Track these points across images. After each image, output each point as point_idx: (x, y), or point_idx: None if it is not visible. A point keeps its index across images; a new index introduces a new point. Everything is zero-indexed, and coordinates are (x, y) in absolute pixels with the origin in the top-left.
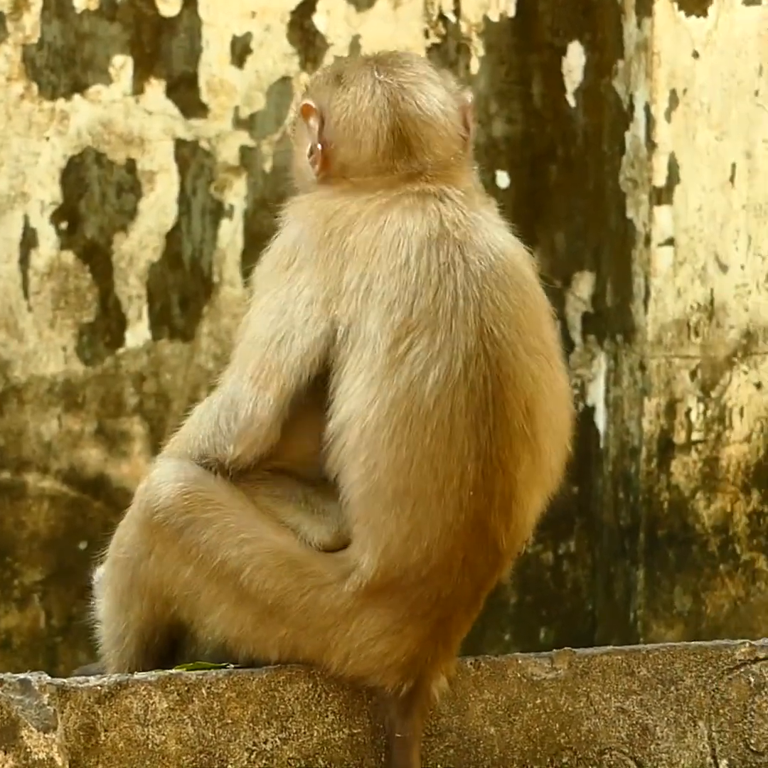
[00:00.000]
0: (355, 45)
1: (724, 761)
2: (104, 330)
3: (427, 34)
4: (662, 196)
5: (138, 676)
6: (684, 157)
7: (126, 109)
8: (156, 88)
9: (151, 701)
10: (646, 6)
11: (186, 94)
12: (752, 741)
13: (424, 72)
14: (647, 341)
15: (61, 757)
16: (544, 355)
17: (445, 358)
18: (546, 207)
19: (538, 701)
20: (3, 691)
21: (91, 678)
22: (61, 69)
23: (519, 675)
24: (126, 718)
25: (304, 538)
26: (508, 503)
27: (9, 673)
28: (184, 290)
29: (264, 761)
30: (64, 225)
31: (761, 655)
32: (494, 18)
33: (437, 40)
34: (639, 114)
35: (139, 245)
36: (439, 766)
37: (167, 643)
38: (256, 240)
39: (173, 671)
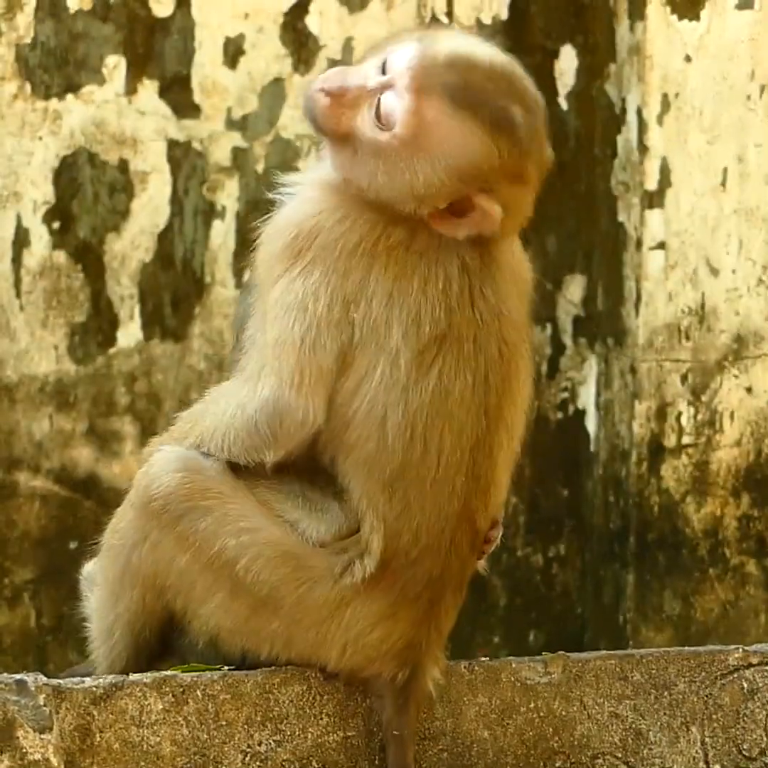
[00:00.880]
0: (347, 47)
1: (717, 766)
2: (96, 330)
3: None
4: (654, 199)
5: (133, 677)
6: (676, 161)
7: (119, 110)
8: (149, 88)
9: (146, 702)
10: (638, 9)
11: (179, 95)
12: (745, 746)
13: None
14: (638, 345)
15: (57, 757)
16: (527, 343)
17: (472, 365)
18: (537, 210)
19: (532, 705)
20: None
21: (87, 679)
22: (54, 69)
23: (513, 679)
24: (121, 719)
25: (302, 535)
26: (487, 485)
27: (5, 674)
28: (175, 290)
29: (258, 763)
30: (56, 225)
31: (754, 660)
32: (486, 20)
33: None
34: (631, 117)
35: (132, 245)
36: None
37: (158, 641)
38: (248, 241)
39: (168, 673)
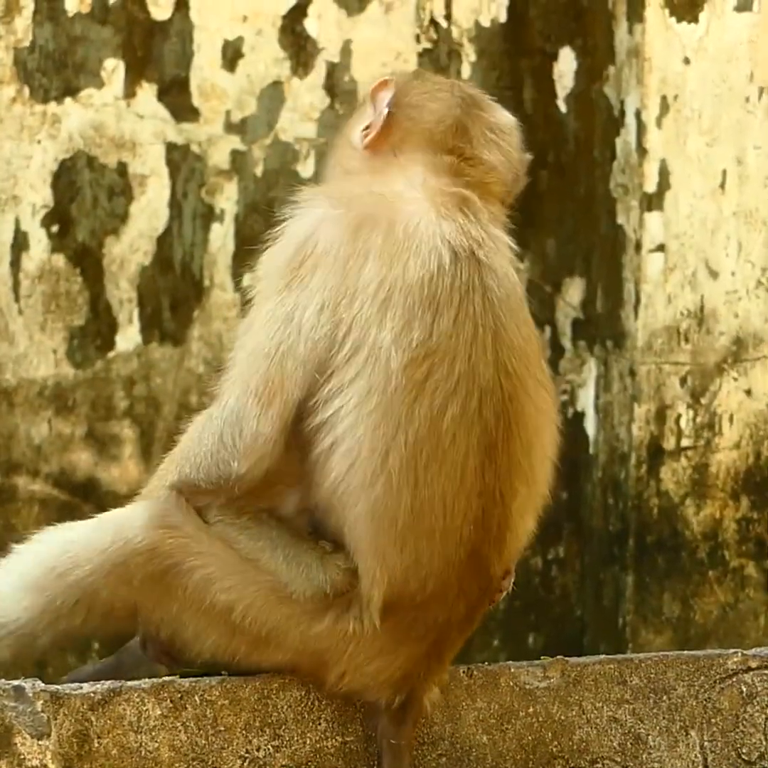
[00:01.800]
0: (346, 50)
1: None
2: (95, 333)
3: (418, 39)
4: (653, 202)
5: (131, 683)
6: (675, 164)
7: (117, 113)
8: (147, 91)
9: (144, 708)
10: (637, 12)
11: (177, 98)
12: (744, 750)
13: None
14: (637, 347)
15: (55, 763)
16: (545, 388)
17: (463, 391)
18: (537, 212)
19: (531, 710)
20: None
21: (85, 685)
22: (52, 72)
23: (512, 683)
24: (119, 724)
25: (290, 594)
26: (502, 534)
27: (2, 680)
28: (174, 294)
29: None
30: (55, 228)
31: (753, 664)
32: (485, 23)
33: (428, 45)
34: (630, 120)
35: (130, 249)
36: None
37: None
38: (247, 244)
39: (166, 678)
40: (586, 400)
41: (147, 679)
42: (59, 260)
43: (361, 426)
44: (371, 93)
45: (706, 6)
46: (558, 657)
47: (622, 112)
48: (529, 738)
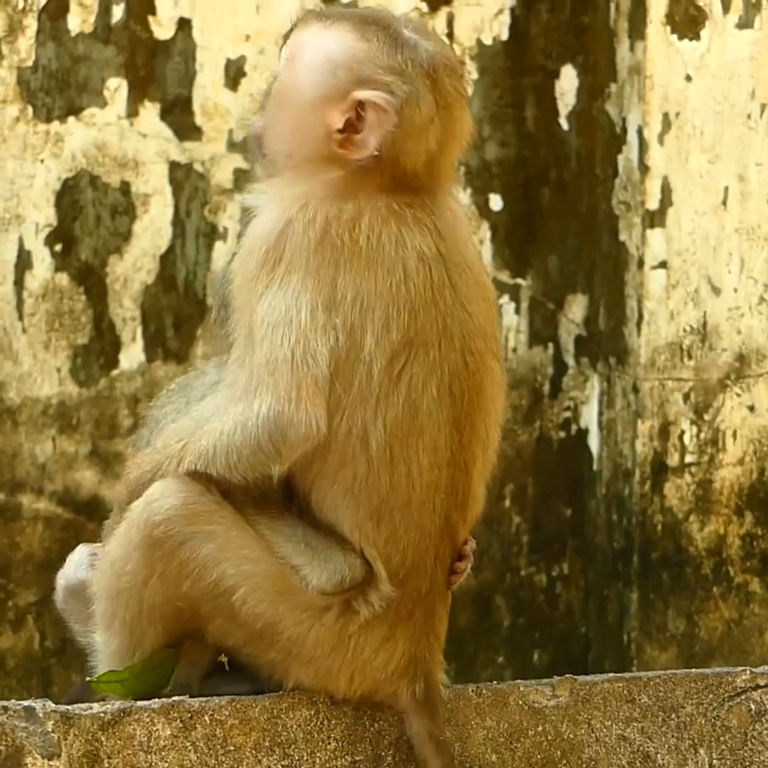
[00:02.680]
0: None
1: None
2: (98, 352)
3: None
4: (655, 219)
5: (141, 703)
6: (677, 181)
7: (120, 132)
8: (150, 110)
9: (154, 728)
10: (638, 29)
11: (180, 117)
12: None
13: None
14: (640, 364)
15: None
16: (497, 358)
17: (437, 375)
18: (539, 230)
19: (540, 728)
20: (7, 718)
21: (95, 705)
22: (55, 92)
23: (520, 702)
24: (129, 744)
25: (303, 580)
26: (465, 499)
27: (13, 700)
28: (178, 312)
29: None
30: (58, 247)
31: (762, 682)
32: (487, 41)
33: None
34: (632, 137)
35: (134, 267)
36: None
37: None
38: None
39: (176, 699)
40: (590, 416)
41: (156, 699)
42: (63, 279)
43: (347, 413)
44: (363, 101)
45: (707, 23)
46: (566, 675)
47: (624, 130)
48: (538, 757)
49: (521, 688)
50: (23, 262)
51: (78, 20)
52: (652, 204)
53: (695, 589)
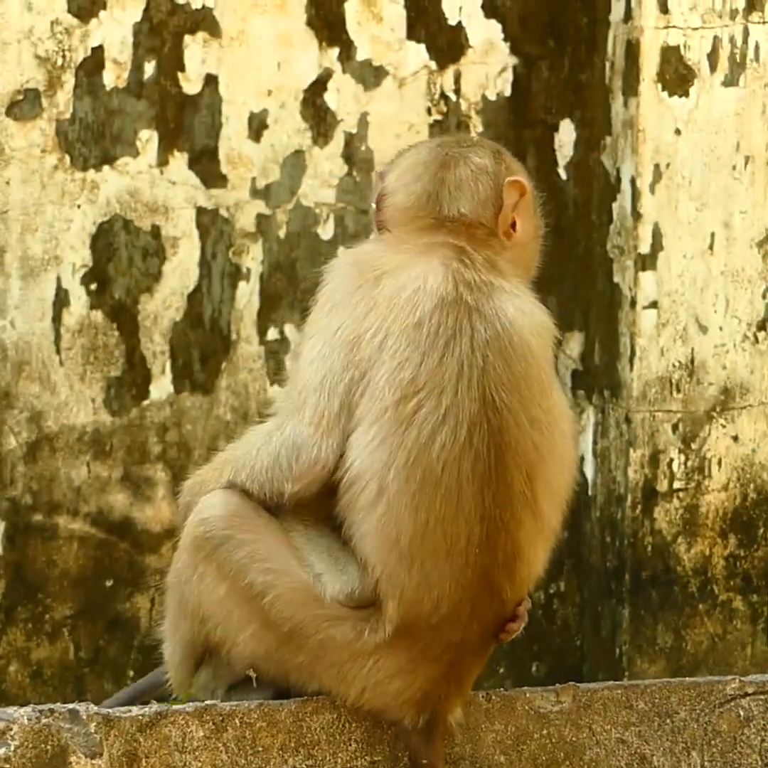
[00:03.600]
0: (363, 121)
1: None
2: (130, 383)
3: (429, 112)
4: (647, 262)
5: (176, 706)
6: (667, 227)
7: (151, 180)
8: (179, 160)
9: (188, 730)
10: (632, 86)
11: (207, 166)
12: None
13: (475, 146)
14: (632, 396)
15: None
16: (545, 424)
17: (451, 423)
18: (539, 272)
19: (545, 732)
20: (54, 720)
21: (134, 708)
22: (91, 142)
23: (527, 707)
24: (165, 745)
25: (322, 588)
26: (511, 560)
27: (59, 704)
28: (204, 347)
29: None
30: (93, 286)
31: (750, 690)
32: (492, 97)
33: (439, 117)
34: (625, 186)
35: (163, 305)
36: None
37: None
38: (271, 301)
39: (209, 702)
40: (585, 445)
41: (191, 703)
42: (98, 316)
43: (366, 451)
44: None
45: (696, 81)
46: (570, 683)
47: (618, 179)
48: (543, 758)
49: (527, 695)
50: (61, 300)
51: (112, 76)
52: (644, 248)
53: (682, 606)
